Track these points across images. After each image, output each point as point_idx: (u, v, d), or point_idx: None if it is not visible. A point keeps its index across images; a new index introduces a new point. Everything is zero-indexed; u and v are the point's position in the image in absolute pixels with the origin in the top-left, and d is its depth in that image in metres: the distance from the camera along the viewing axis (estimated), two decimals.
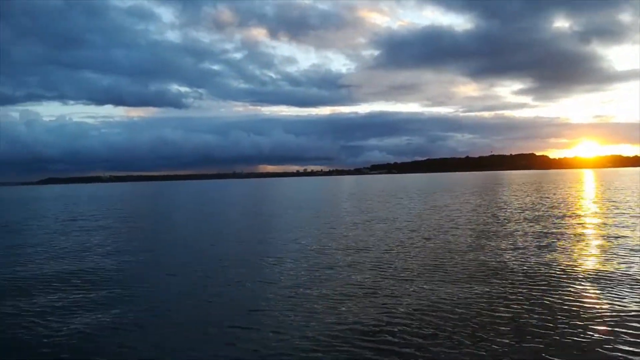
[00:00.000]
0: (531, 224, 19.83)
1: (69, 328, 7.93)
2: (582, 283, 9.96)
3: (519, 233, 17.34)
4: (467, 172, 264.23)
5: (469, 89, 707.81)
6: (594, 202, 31.29)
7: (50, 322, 8.28)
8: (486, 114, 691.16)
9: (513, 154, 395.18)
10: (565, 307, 8.34)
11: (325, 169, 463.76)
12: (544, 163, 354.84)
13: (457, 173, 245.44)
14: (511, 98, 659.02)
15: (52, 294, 10.27)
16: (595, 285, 9.77)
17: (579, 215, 22.83)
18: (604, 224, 19.38)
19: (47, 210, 40.83)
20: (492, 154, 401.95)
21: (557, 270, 11.12)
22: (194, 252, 15.78)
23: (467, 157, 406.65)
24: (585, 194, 41.50)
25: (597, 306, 8.34)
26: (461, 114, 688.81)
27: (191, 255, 15.30)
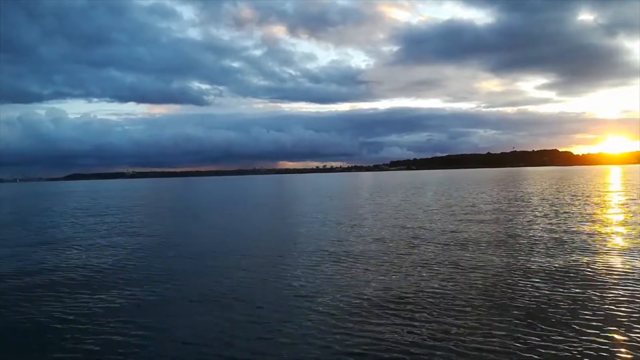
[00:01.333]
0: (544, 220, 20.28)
1: (103, 328, 7.75)
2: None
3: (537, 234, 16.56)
4: (488, 169, 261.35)
5: (491, 84, 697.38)
6: (609, 199, 31.44)
7: (93, 320, 8.20)
8: (509, 109, 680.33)
9: (536, 150, 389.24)
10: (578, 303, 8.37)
11: (345, 165, 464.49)
12: (568, 159, 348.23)
13: (476, 169, 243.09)
14: (534, 93, 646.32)
15: (94, 291, 10.30)
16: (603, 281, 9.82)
17: (588, 213, 23.06)
18: (624, 221, 19.01)
19: (84, 205, 42.74)
20: (514, 150, 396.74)
21: (561, 269, 11.07)
22: (234, 246, 15.92)
23: (488, 153, 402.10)
24: (600, 190, 41.41)
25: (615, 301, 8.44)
26: (483, 110, 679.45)
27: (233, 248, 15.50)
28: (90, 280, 11.30)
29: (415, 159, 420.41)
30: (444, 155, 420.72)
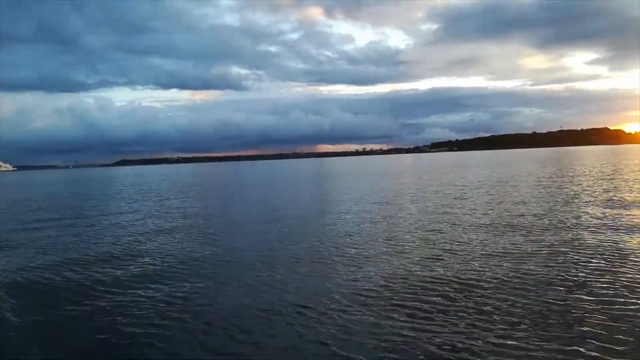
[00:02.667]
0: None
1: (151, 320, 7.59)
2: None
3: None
4: (533, 149, 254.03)
5: (536, 60, 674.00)
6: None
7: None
8: (556, 86, 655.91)
9: (585, 128, 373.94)
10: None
11: (385, 147, 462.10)
12: (619, 138, 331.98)
13: (521, 150, 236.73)
14: (583, 69, 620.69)
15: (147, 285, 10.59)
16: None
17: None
18: None
19: (162, 188, 45.72)
20: (561, 129, 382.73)
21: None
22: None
23: (534, 132, 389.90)
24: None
25: None
26: (528, 88, 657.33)
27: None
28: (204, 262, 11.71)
29: (457, 140, 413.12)
30: (488, 135, 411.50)
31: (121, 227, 18.26)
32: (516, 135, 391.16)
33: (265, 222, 17.91)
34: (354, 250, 12.01)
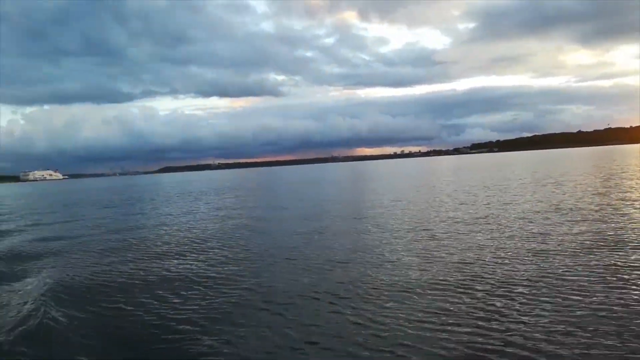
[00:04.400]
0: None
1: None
2: None
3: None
4: (578, 148, 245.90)
5: (580, 56, 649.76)
6: None
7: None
8: (604, 82, 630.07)
9: (633, 125, 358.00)
10: None
11: (424, 149, 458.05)
12: None
13: (565, 150, 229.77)
14: (633, 63, 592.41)
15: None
16: None
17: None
18: None
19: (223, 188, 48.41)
20: (608, 126, 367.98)
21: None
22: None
23: (579, 131, 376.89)
24: None
25: None
26: (574, 84, 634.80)
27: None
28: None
29: (498, 141, 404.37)
30: (531, 135, 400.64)
31: (189, 226, 20.14)
32: (561, 134, 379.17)
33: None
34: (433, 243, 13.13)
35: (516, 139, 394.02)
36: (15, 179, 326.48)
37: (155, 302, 9.19)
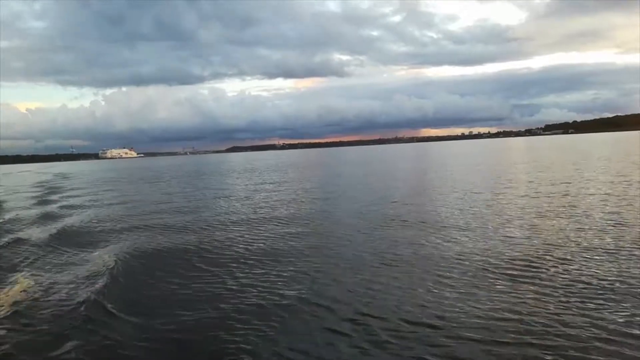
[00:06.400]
0: None
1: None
2: None
3: None
4: None
5: None
6: None
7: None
8: None
9: None
10: None
11: (493, 130, 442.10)
12: None
13: None
14: None
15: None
16: None
17: None
18: None
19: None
20: None
21: None
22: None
23: None
24: None
25: None
26: None
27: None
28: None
29: (575, 122, 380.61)
30: (612, 116, 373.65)
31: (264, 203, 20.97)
32: None
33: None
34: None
35: (595, 120, 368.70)
36: (95, 156, 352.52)
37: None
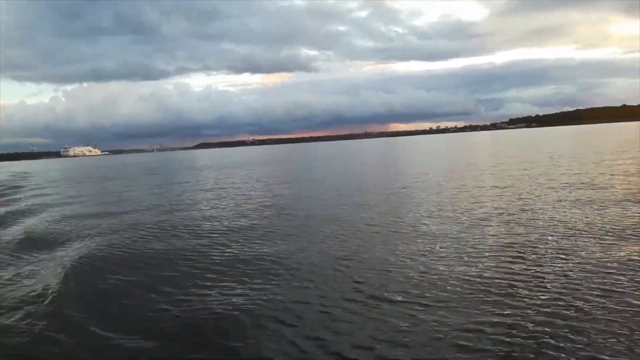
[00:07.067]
0: None
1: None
2: None
3: None
4: (622, 123, 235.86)
5: (627, 27, 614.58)
6: None
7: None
8: None
9: None
10: None
11: (460, 124, 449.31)
12: None
13: (607, 124, 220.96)
14: None
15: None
16: None
17: None
18: None
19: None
20: None
21: None
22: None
23: (624, 105, 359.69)
24: None
25: None
26: (620, 56, 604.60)
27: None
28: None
29: (537, 115, 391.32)
30: (572, 109, 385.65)
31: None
32: (604, 108, 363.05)
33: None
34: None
35: (556, 114, 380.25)
36: (56, 154, 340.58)
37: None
